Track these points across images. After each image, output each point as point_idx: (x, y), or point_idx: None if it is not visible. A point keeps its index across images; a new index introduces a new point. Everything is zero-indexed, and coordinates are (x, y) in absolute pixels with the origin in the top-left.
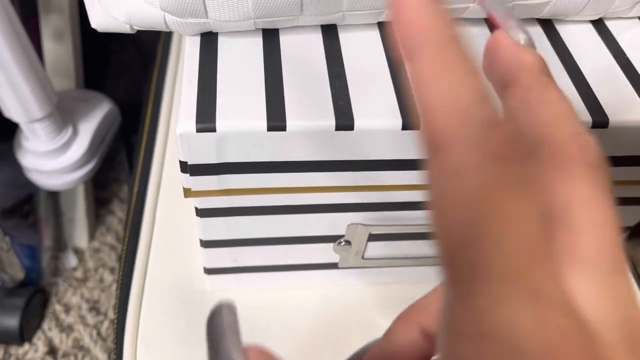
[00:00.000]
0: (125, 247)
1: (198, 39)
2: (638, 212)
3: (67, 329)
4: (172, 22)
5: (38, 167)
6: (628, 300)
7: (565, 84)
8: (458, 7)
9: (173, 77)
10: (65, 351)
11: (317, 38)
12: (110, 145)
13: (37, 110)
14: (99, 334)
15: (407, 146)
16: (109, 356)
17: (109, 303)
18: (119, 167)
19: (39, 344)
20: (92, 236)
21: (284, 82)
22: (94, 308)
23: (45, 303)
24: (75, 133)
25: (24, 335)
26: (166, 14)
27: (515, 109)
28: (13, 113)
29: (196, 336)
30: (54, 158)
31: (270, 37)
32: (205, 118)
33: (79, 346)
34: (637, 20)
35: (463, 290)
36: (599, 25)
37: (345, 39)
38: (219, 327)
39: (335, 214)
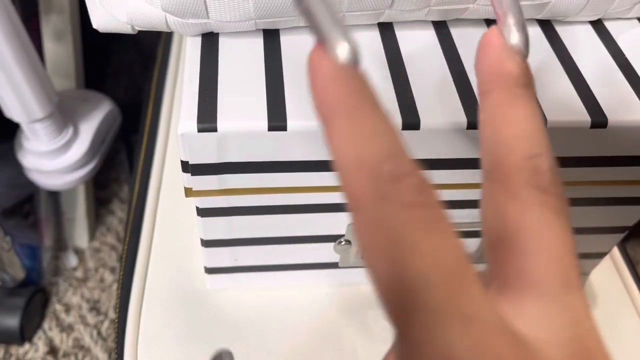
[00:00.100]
0: (126, 247)
1: (199, 39)
2: (637, 212)
3: (67, 329)
4: (173, 23)
5: (39, 167)
6: (578, 319)
7: (565, 85)
8: (457, 7)
9: (173, 77)
10: (66, 351)
11: None
12: (110, 145)
13: (37, 111)
14: (99, 333)
15: (407, 145)
16: (110, 356)
17: (109, 303)
18: (119, 167)
19: (40, 343)
20: (92, 236)
21: (284, 82)
22: (95, 308)
23: (45, 303)
24: (75, 133)
25: (24, 335)
26: (167, 14)
27: (482, 122)
28: (14, 113)
29: (197, 335)
30: (54, 158)
31: (271, 38)
32: (207, 118)
33: (79, 346)
34: (636, 21)
35: (402, 328)
36: (598, 26)
37: None
38: None
39: (336, 214)
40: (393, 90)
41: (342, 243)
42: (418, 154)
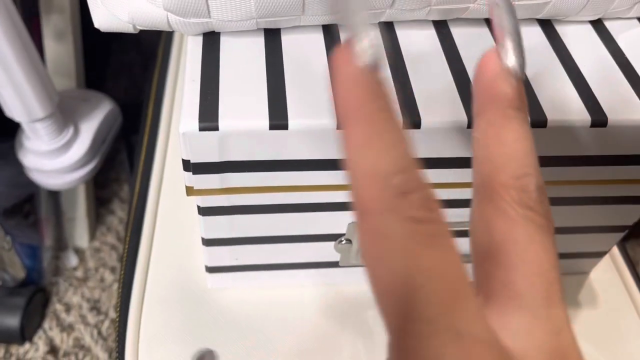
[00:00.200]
0: (126, 246)
1: (200, 38)
2: (636, 211)
3: (67, 329)
4: (175, 22)
5: (39, 167)
6: (559, 332)
7: (565, 84)
8: (458, 7)
9: (174, 77)
10: (66, 350)
11: (319, 38)
12: (111, 145)
13: (38, 110)
14: (99, 333)
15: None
16: (110, 355)
17: (109, 302)
18: (120, 167)
19: (40, 343)
20: (92, 236)
21: (285, 81)
22: (95, 307)
23: (46, 302)
24: (76, 133)
25: (24, 334)
26: (169, 13)
27: (476, 141)
28: (15, 113)
29: (198, 335)
30: (55, 158)
31: (272, 37)
32: (208, 117)
33: (79, 345)
34: (635, 20)
35: (396, 334)
36: (598, 25)
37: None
38: None
39: (337, 213)
40: (394, 90)
41: (343, 242)
42: (419, 152)
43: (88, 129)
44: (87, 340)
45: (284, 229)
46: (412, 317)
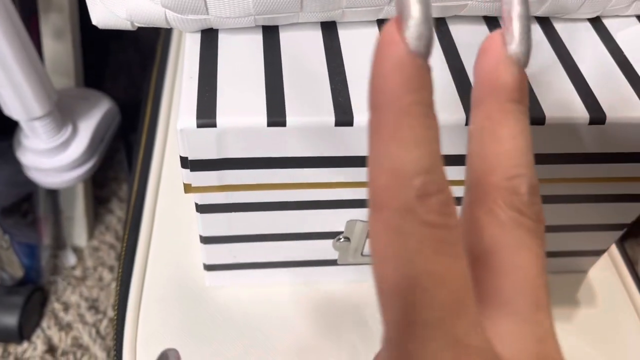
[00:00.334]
0: (124, 244)
1: (198, 35)
2: (635, 209)
3: (66, 328)
4: (172, 19)
5: (38, 165)
6: (545, 337)
7: (563, 81)
8: (456, 4)
9: (172, 75)
10: (64, 349)
11: (317, 35)
12: (109, 143)
13: (37, 109)
14: (97, 332)
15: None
16: (108, 354)
17: (107, 302)
18: (118, 166)
19: (38, 342)
20: (91, 235)
21: (283, 78)
22: (93, 306)
23: (44, 301)
24: (74, 131)
25: (23, 333)
26: (167, 10)
27: (471, 135)
28: (13, 111)
29: (196, 333)
30: (53, 156)
31: (270, 34)
32: (206, 114)
33: (77, 344)
34: (634, 18)
35: (395, 333)
36: (597, 23)
37: (345, 36)
38: None
39: (335, 210)
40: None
41: (341, 240)
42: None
43: (86, 128)
44: (86, 339)
45: (282, 226)
46: (413, 319)
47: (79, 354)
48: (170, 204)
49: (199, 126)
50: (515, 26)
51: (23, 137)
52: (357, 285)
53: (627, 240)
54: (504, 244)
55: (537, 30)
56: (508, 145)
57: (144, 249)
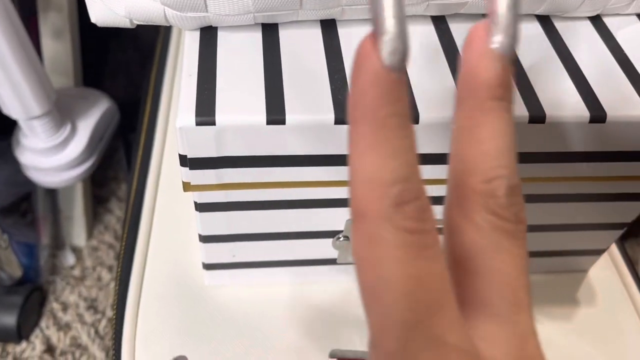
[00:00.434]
0: (123, 243)
1: (197, 33)
2: (635, 208)
3: (64, 327)
4: (172, 16)
5: (36, 165)
6: (525, 338)
7: (563, 80)
8: (456, 2)
9: (172, 74)
10: (63, 349)
11: (317, 33)
12: (108, 143)
13: (35, 108)
14: (96, 332)
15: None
16: (107, 354)
17: (106, 301)
18: (117, 165)
19: (37, 342)
20: (90, 234)
21: (283, 76)
22: (92, 306)
23: (42, 301)
24: (73, 130)
25: (21, 333)
26: (166, 7)
27: (453, 134)
28: (12, 110)
29: (195, 332)
30: (52, 155)
31: (270, 32)
32: (205, 111)
33: (76, 344)
34: (634, 16)
35: (377, 335)
36: (597, 21)
37: (344, 34)
38: None
39: (335, 209)
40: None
41: (341, 239)
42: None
43: (85, 127)
44: (84, 339)
45: (281, 225)
46: (394, 321)
47: (77, 354)
48: (169, 203)
49: (198, 124)
50: (501, 15)
51: (22, 136)
52: (357, 284)
53: (627, 239)
54: (482, 248)
55: (537, 29)
56: (487, 146)
57: (143, 248)
